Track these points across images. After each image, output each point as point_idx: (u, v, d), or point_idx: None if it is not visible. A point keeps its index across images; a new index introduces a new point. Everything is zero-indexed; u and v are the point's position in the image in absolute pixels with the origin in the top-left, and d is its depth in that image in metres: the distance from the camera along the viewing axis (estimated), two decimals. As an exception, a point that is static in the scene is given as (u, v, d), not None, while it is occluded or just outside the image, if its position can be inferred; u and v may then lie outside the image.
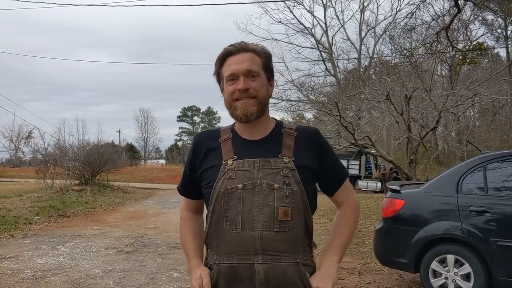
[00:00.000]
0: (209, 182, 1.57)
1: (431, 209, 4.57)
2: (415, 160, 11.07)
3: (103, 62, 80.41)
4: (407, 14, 9.26)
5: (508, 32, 26.58)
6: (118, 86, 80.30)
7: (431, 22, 10.30)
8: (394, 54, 23.20)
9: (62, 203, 12.26)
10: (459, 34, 22.56)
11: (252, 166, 1.52)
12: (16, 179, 24.33)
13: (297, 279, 1.50)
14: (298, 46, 25.82)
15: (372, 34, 27.50)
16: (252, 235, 1.47)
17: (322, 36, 27.25)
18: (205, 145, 1.64)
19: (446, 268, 4.35)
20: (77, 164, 16.55)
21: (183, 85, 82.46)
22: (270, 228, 1.47)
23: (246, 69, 1.52)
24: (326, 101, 16.03)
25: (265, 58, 1.58)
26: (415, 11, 8.68)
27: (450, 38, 7.76)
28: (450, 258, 4.34)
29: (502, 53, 27.24)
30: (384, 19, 26.20)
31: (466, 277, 4.24)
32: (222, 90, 1.61)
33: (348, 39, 27.47)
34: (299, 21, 26.12)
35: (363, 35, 27.73)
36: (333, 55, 26.94)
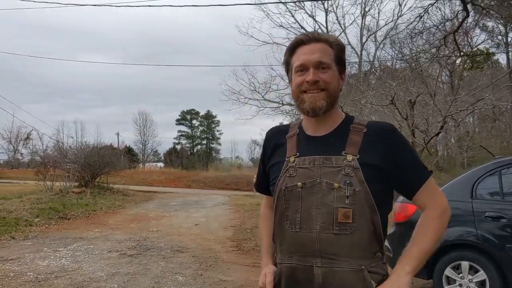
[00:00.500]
0: (273, 179, 1.54)
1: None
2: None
3: (104, 63, 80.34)
4: (415, 18, 9.26)
5: (509, 39, 26.69)
6: (118, 89, 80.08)
7: (439, 25, 10.23)
8: (395, 60, 23.17)
9: (62, 205, 12.14)
10: (461, 40, 22.56)
11: (312, 164, 1.46)
12: (15, 181, 24.14)
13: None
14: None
15: (373, 39, 27.52)
16: (310, 236, 1.41)
17: (323, 40, 27.19)
18: (272, 140, 1.62)
19: (461, 275, 4.27)
20: (76, 166, 16.44)
21: (182, 89, 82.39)
22: (328, 230, 1.39)
23: (317, 60, 1.45)
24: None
25: (338, 50, 1.50)
26: (423, 14, 8.62)
27: (457, 42, 7.72)
28: (465, 264, 4.26)
29: (502, 59, 27.31)
30: (385, 24, 26.12)
31: (481, 284, 4.16)
32: (290, 81, 1.55)
33: (349, 43, 27.43)
34: (300, 26, 26.09)
35: (364, 40, 27.73)
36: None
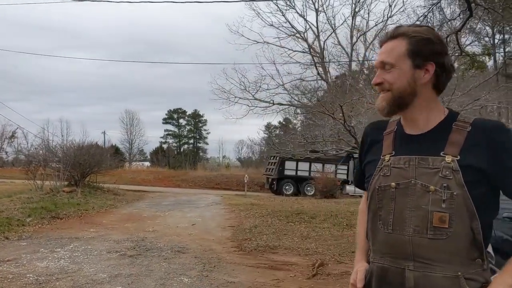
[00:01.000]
0: (368, 176, 1.50)
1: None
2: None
3: (89, 61, 79.27)
4: (419, 17, 9.23)
5: (496, 40, 27.07)
6: (103, 88, 78.91)
7: (438, 25, 10.26)
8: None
9: (54, 205, 11.88)
10: (450, 42, 22.77)
11: (407, 164, 1.39)
12: (0, 180, 23.64)
13: None
14: (289, 50, 25.73)
15: (362, 40, 27.59)
16: (403, 239, 1.36)
17: (314, 40, 27.23)
18: (370, 136, 1.58)
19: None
20: (65, 165, 16.12)
21: (169, 87, 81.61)
22: (422, 234, 1.33)
23: (380, 62, 1.44)
24: (320, 104, 15.93)
25: (416, 42, 1.39)
26: (427, 14, 8.64)
27: (459, 42, 7.76)
28: None
29: (489, 62, 27.66)
30: (375, 25, 26.21)
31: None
32: None
33: (339, 43, 27.50)
34: (291, 25, 26.07)
35: (354, 40, 27.79)
36: (325, 60, 26.93)
